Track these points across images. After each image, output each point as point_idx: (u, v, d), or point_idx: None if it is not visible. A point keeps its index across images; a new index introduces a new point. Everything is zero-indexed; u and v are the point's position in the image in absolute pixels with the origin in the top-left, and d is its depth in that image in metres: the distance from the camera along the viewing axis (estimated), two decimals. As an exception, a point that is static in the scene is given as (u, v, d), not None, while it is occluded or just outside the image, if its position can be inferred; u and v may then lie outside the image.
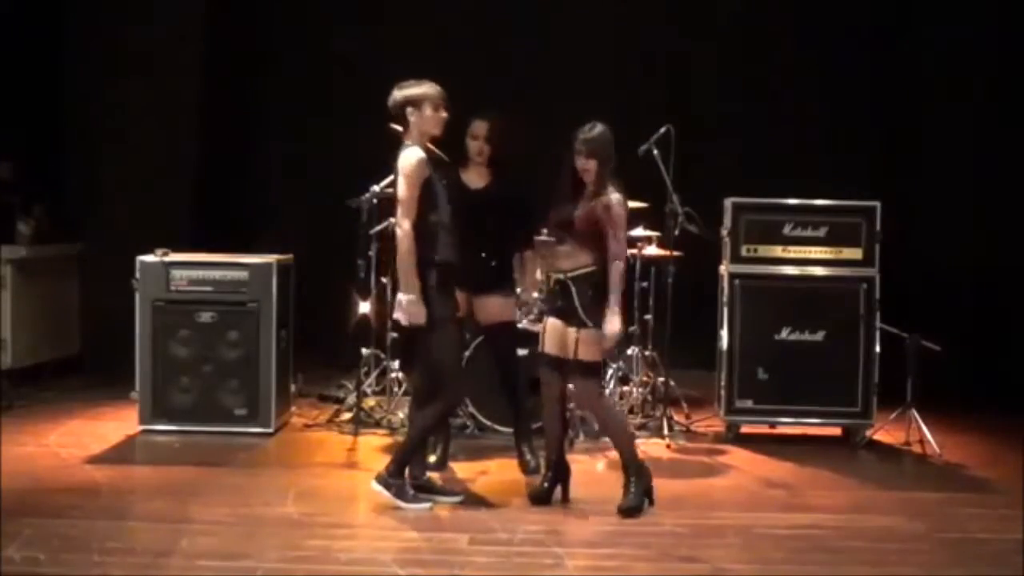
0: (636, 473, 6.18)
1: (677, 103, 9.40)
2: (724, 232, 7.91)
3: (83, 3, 10.06)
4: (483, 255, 6.89)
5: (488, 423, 7.79)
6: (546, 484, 6.34)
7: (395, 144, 7.87)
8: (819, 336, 7.85)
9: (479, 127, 6.93)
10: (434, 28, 10.23)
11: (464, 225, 6.31)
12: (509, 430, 7.73)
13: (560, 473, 6.37)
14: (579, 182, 6.19)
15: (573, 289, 6.09)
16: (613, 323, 6.04)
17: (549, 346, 6.23)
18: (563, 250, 6.19)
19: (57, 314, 9.56)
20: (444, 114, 6.26)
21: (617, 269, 6.06)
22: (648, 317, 8.33)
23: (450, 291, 6.14)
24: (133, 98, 9.89)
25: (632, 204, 8.04)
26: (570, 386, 6.31)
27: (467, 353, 7.29)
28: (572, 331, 6.08)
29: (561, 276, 6.17)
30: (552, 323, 6.24)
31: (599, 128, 6.22)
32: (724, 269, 7.93)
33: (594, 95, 9.94)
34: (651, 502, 6.20)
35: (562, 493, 6.36)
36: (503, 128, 6.95)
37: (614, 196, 6.13)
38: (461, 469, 7.08)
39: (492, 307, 6.97)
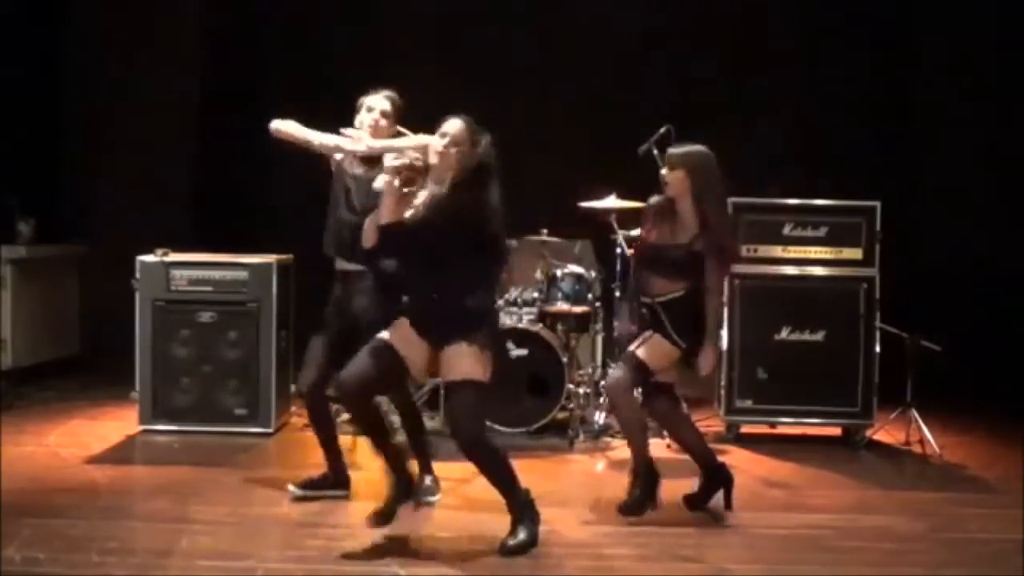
0: (644, 474, 6.13)
1: (676, 104, 9.38)
2: (724, 232, 7.90)
3: (83, 3, 10.07)
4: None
5: (488, 423, 7.77)
6: (636, 493, 6.17)
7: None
8: (819, 336, 7.85)
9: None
10: (435, 29, 10.23)
11: None
12: (509, 430, 7.75)
13: (649, 479, 6.18)
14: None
15: (662, 313, 6.00)
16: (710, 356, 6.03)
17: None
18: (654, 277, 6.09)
19: (57, 314, 9.56)
20: (372, 115, 6.18)
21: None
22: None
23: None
24: (132, 97, 9.91)
25: (631, 204, 8.09)
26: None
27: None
28: (649, 332, 6.02)
29: (648, 300, 6.08)
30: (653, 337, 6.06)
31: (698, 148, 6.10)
32: (724, 269, 7.93)
33: (594, 95, 9.96)
34: (654, 506, 6.13)
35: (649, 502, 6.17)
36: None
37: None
38: (460, 469, 7.06)
39: None
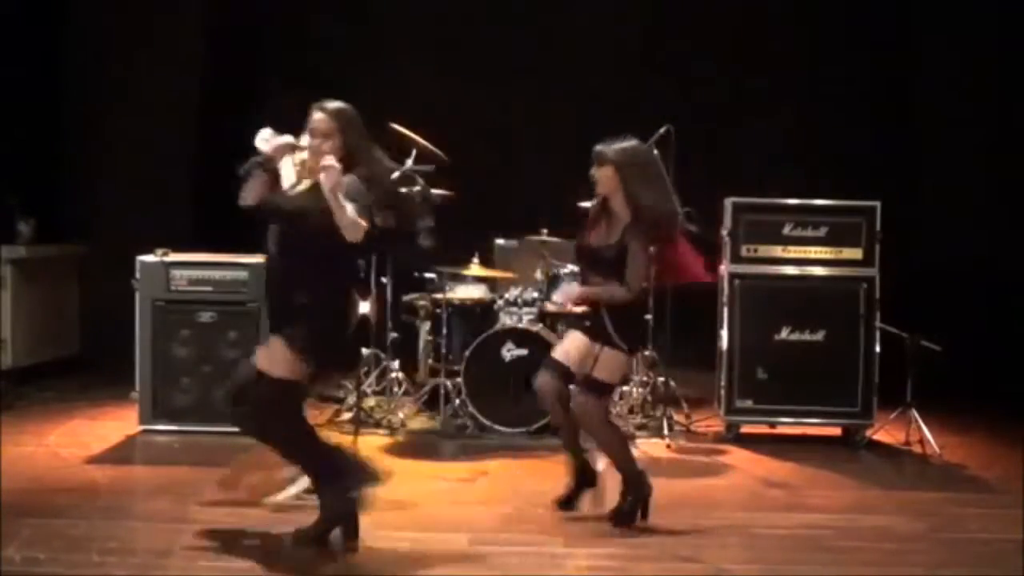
0: (635, 483, 6.06)
1: (677, 103, 9.39)
2: (724, 232, 7.92)
3: (83, 3, 10.07)
4: None
5: (488, 423, 7.80)
6: (571, 490, 6.18)
7: (397, 144, 7.92)
8: (819, 336, 7.86)
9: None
10: (433, 29, 10.24)
11: None
12: (509, 430, 7.76)
13: (585, 479, 6.21)
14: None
15: (605, 313, 5.90)
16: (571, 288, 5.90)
17: (566, 357, 6.03)
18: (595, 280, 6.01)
19: (57, 314, 9.57)
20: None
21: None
22: (648, 317, 8.32)
23: None
24: (132, 97, 9.92)
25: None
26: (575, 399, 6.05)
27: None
28: (596, 347, 5.90)
29: None
30: (576, 336, 6.05)
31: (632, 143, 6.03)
32: (724, 269, 7.94)
33: (594, 95, 9.97)
34: (644, 515, 6.03)
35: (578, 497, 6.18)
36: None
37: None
38: (462, 469, 7.09)
39: None
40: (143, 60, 9.92)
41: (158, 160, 9.95)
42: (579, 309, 6.16)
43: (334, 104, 5.48)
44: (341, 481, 5.46)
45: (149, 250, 7.81)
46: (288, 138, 5.42)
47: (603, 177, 5.92)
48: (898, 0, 10.25)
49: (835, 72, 10.10)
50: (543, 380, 6.07)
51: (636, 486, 6.03)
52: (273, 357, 5.31)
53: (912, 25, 10.14)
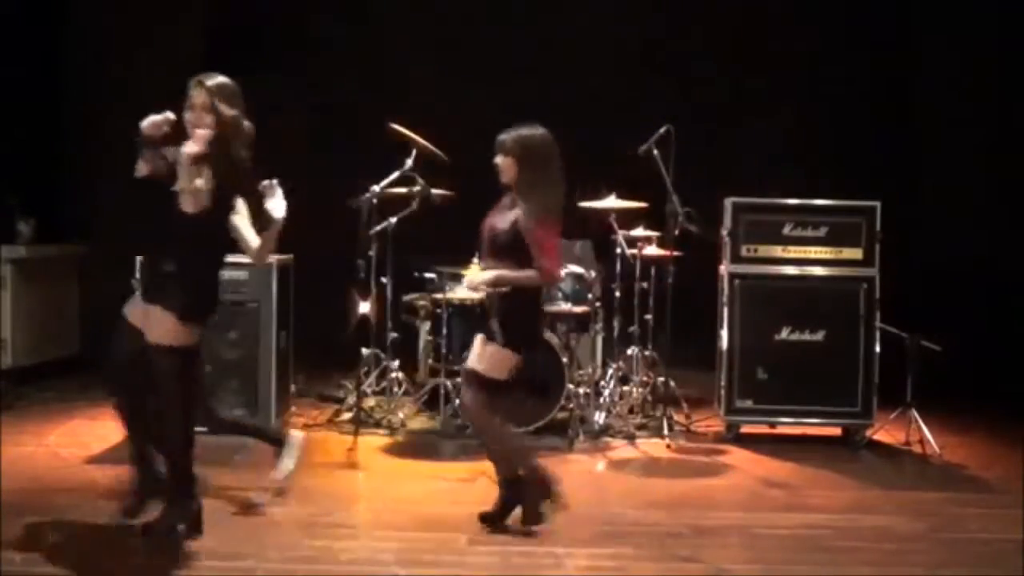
0: (534, 481, 5.85)
1: (677, 103, 9.40)
2: (724, 232, 7.93)
3: (83, 3, 10.08)
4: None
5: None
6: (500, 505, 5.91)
7: (397, 144, 7.93)
8: (819, 336, 7.87)
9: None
10: (433, 29, 10.25)
11: None
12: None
13: (515, 493, 5.89)
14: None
15: (497, 304, 5.86)
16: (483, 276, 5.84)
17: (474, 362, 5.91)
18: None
19: (57, 314, 9.57)
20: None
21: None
22: (648, 317, 8.35)
23: None
24: (132, 97, 9.89)
25: (631, 204, 8.12)
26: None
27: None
28: (483, 342, 5.85)
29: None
30: (479, 337, 5.93)
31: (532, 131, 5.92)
32: (724, 269, 7.96)
33: (594, 95, 9.98)
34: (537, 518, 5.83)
35: (523, 514, 5.85)
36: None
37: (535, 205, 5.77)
38: (462, 469, 7.10)
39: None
40: (143, 60, 9.92)
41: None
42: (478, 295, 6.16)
43: (212, 79, 5.73)
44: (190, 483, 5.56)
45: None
46: (166, 114, 5.62)
47: (504, 165, 5.87)
48: (898, 0, 10.26)
49: (835, 72, 10.13)
50: (463, 397, 6.04)
51: (534, 483, 5.86)
52: (156, 327, 5.43)
53: (912, 25, 10.17)
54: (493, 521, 5.87)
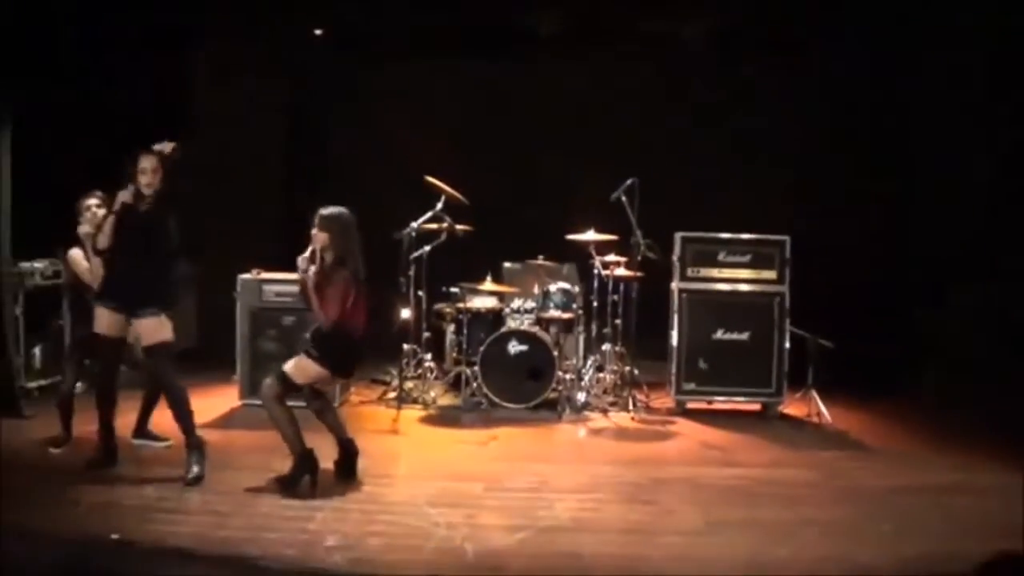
0: (301, 460, 5.65)
1: (643, 159, 9.20)
2: (675, 258, 7.92)
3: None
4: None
5: (497, 400, 7.82)
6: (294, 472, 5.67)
7: (429, 191, 7.94)
8: (745, 336, 7.86)
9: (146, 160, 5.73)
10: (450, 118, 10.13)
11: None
12: (513, 406, 7.76)
13: (307, 463, 5.68)
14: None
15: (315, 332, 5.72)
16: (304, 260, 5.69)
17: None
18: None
19: (181, 315, 9.45)
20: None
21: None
22: (618, 322, 8.34)
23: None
24: (234, 150, 9.75)
25: (606, 236, 8.10)
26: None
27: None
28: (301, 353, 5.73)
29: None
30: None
31: (338, 210, 5.73)
32: (675, 286, 7.93)
33: (578, 155, 9.84)
34: (313, 484, 5.63)
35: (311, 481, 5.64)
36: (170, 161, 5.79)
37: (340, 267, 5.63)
38: (477, 436, 7.10)
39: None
40: (238, 115, 9.73)
41: (251, 197, 9.86)
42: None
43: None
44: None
45: (246, 270, 7.85)
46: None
47: (319, 238, 5.67)
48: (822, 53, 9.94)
49: (760, 138, 9.80)
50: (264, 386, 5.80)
51: (302, 461, 5.66)
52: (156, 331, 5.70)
53: (843, 82, 9.72)
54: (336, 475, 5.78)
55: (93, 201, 6.27)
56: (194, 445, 5.78)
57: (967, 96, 8.48)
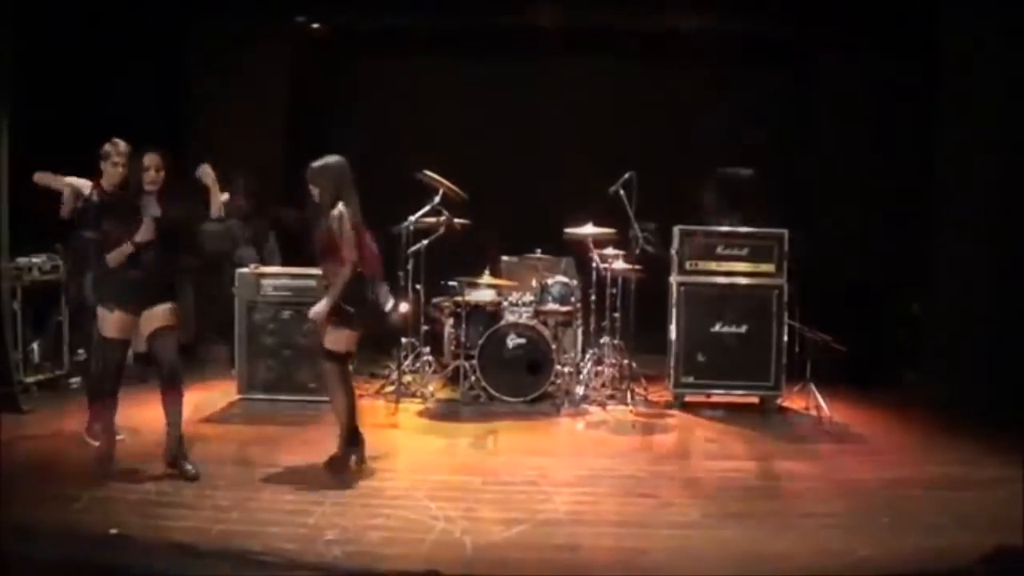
0: (349, 440, 5.79)
1: (641, 153, 9.21)
2: (673, 251, 7.92)
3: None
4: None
5: (496, 394, 7.82)
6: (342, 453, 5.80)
7: (425, 186, 7.93)
8: (743, 329, 7.86)
9: (150, 159, 5.68)
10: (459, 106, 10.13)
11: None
12: (511, 399, 7.76)
13: (355, 439, 5.85)
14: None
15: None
16: (320, 306, 5.67)
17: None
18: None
19: (182, 313, 9.41)
20: (115, 168, 5.96)
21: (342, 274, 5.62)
22: (616, 315, 8.33)
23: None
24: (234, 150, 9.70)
25: (604, 231, 8.11)
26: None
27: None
28: (327, 324, 5.72)
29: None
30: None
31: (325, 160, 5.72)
32: (673, 279, 7.94)
33: (576, 150, 9.87)
34: (360, 461, 5.83)
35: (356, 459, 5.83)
36: (171, 161, 5.77)
37: (337, 210, 5.61)
38: (476, 429, 7.11)
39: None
40: (245, 117, 9.74)
41: (250, 196, 9.83)
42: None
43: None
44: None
45: (244, 265, 7.84)
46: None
47: (315, 193, 5.70)
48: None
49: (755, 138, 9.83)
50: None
51: (351, 437, 5.79)
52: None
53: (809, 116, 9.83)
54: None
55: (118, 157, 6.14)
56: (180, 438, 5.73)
57: (968, 95, 8.45)
